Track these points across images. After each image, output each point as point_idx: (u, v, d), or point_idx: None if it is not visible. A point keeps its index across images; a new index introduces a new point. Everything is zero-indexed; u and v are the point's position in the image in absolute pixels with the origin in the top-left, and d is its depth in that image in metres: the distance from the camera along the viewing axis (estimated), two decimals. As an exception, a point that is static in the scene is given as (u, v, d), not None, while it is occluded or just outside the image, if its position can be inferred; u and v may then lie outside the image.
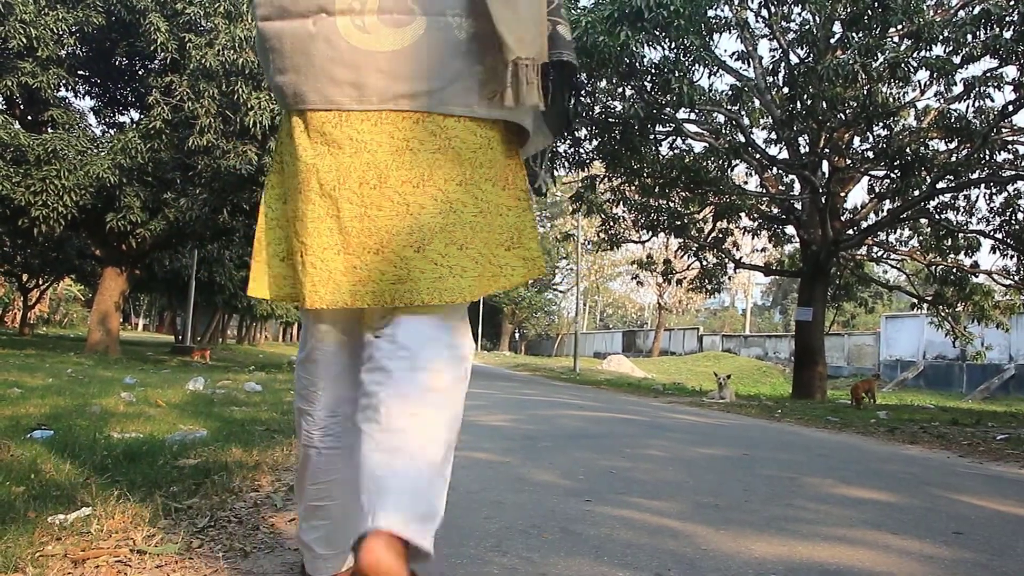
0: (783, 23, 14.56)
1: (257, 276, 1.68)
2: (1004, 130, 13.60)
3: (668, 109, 14.13)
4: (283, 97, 1.61)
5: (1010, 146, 14.03)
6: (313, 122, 1.56)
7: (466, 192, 1.55)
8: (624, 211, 18.10)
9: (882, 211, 15.84)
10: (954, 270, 16.20)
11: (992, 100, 13.26)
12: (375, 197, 1.52)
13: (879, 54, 11.84)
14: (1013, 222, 14.54)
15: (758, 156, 15.36)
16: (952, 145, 14.01)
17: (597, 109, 15.06)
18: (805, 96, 12.79)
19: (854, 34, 12.19)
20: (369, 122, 1.52)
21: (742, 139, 14.93)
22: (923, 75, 13.24)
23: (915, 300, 17.75)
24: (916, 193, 13.68)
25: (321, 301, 1.54)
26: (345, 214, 1.52)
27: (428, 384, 1.47)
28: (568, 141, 16.49)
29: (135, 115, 19.44)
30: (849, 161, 14.61)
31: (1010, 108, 12.28)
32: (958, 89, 13.49)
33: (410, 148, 1.52)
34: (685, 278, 19.26)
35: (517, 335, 76.15)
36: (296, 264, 1.58)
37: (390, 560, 1.24)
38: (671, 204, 17.52)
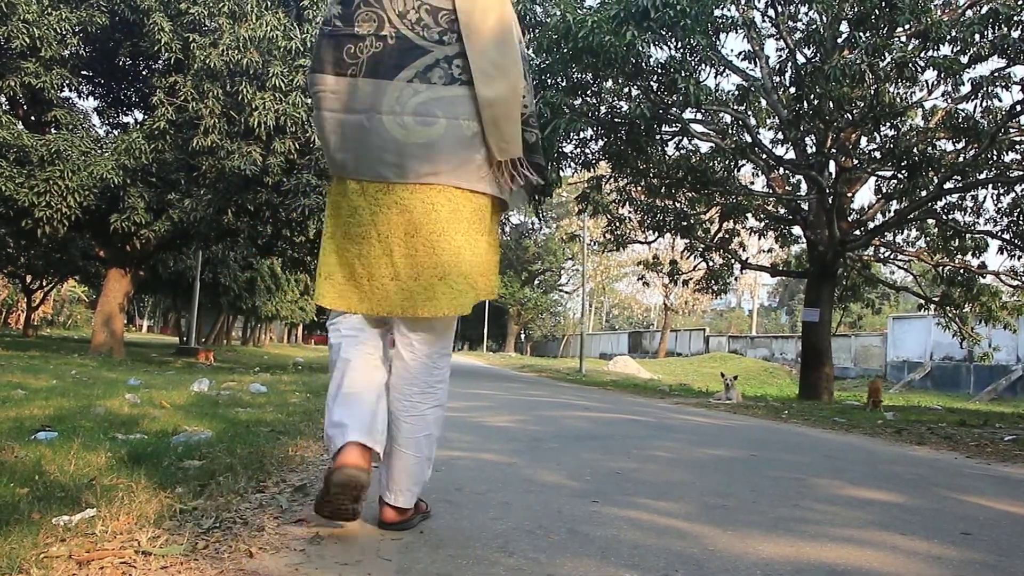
0: (790, 23, 14.53)
1: (323, 291, 2.44)
2: (1012, 130, 13.53)
3: (674, 109, 14.11)
4: (342, 168, 2.38)
5: (1018, 146, 13.94)
6: (368, 189, 2.33)
7: (466, 241, 2.36)
8: (630, 211, 18.09)
9: (889, 211, 15.79)
10: (961, 271, 16.15)
11: (1000, 100, 13.20)
12: (414, 243, 2.30)
13: (886, 54, 11.81)
14: (1021, 222, 14.47)
15: (764, 156, 15.33)
16: (959, 145, 13.96)
17: (603, 109, 15.03)
18: (812, 96, 12.75)
19: (861, 34, 12.14)
20: (407, 191, 2.30)
21: (748, 139, 14.91)
22: (930, 75, 13.19)
23: (922, 301, 17.69)
24: (923, 193, 13.63)
25: (382, 311, 2.36)
26: (396, 254, 2.31)
27: (439, 379, 2.49)
28: (574, 143, 16.51)
29: (139, 115, 19.49)
30: (856, 161, 14.57)
31: (1018, 108, 12.22)
32: (966, 89, 13.43)
33: (435, 209, 2.30)
34: (691, 279, 19.22)
35: (523, 336, 76.14)
36: (362, 287, 2.37)
37: (399, 514, 2.43)
38: (677, 204, 17.51)
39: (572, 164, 17.31)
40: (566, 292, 75.28)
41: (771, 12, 14.69)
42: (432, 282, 2.30)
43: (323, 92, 2.32)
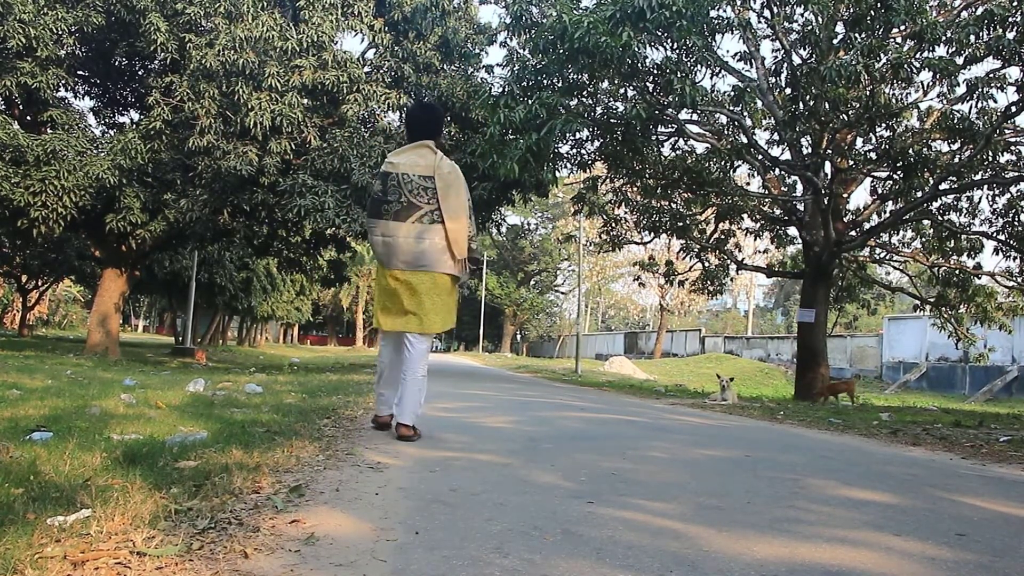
0: (785, 24, 14.52)
1: (378, 318, 4.95)
2: (1007, 131, 13.54)
3: (670, 110, 14.08)
4: (381, 262, 4.81)
5: (1013, 147, 13.97)
6: (394, 273, 4.76)
7: (439, 296, 4.79)
8: (626, 212, 18.09)
9: (884, 212, 15.79)
10: (957, 271, 16.16)
11: (995, 101, 13.20)
12: (408, 297, 4.75)
13: (882, 55, 11.81)
14: (1016, 223, 14.47)
15: (760, 157, 15.32)
16: (955, 146, 13.96)
17: (599, 110, 15.01)
18: (808, 97, 12.76)
19: (857, 35, 12.15)
20: (410, 274, 4.73)
21: (744, 140, 14.89)
22: (926, 76, 13.21)
23: (918, 302, 17.70)
24: (919, 194, 13.63)
25: (392, 328, 4.88)
26: (404, 302, 4.76)
27: (422, 359, 4.84)
28: (570, 143, 16.52)
29: (135, 116, 19.47)
30: (852, 162, 14.56)
31: (1013, 109, 12.22)
32: (961, 90, 13.43)
33: (422, 282, 4.74)
34: (687, 279, 19.20)
35: (519, 337, 76.11)
36: (397, 316, 4.82)
37: (407, 431, 4.73)
38: (673, 205, 17.49)
39: (568, 165, 17.30)
40: (562, 293, 75.32)
41: (767, 13, 14.69)
42: (418, 315, 4.71)
43: (373, 227, 4.75)
